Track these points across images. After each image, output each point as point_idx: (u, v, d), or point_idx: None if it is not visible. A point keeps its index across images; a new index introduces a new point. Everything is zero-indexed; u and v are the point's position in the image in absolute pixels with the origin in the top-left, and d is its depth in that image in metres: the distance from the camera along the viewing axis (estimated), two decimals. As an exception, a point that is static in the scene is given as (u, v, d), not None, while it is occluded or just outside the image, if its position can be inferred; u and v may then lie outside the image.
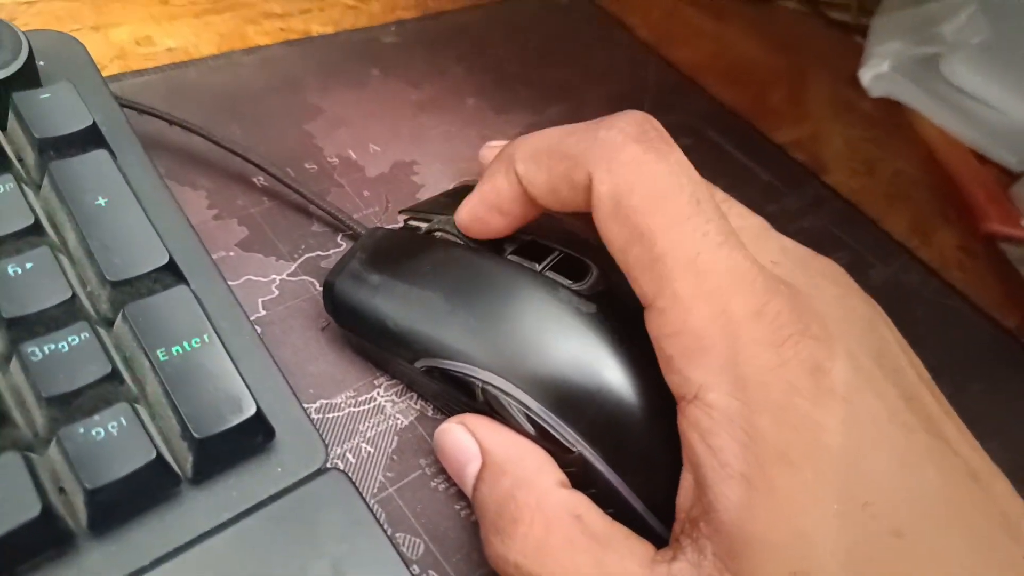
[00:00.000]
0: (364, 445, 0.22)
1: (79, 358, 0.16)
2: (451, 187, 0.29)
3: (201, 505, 0.17)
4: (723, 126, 0.39)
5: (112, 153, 0.21)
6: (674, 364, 0.17)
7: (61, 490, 0.16)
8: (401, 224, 0.25)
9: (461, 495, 0.22)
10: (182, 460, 0.17)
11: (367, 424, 0.23)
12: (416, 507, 0.21)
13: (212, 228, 0.26)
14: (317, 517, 0.18)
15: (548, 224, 0.23)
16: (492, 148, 0.26)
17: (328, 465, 0.19)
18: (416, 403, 0.24)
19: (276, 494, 0.18)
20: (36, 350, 0.16)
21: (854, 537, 0.15)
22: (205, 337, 0.18)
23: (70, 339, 0.17)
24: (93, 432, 0.16)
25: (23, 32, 0.21)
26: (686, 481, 0.17)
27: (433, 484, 0.22)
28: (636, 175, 0.17)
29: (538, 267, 0.21)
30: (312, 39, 0.35)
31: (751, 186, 0.36)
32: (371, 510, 0.18)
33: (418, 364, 0.21)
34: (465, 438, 0.20)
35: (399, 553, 0.18)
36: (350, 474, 0.21)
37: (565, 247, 0.21)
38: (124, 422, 0.16)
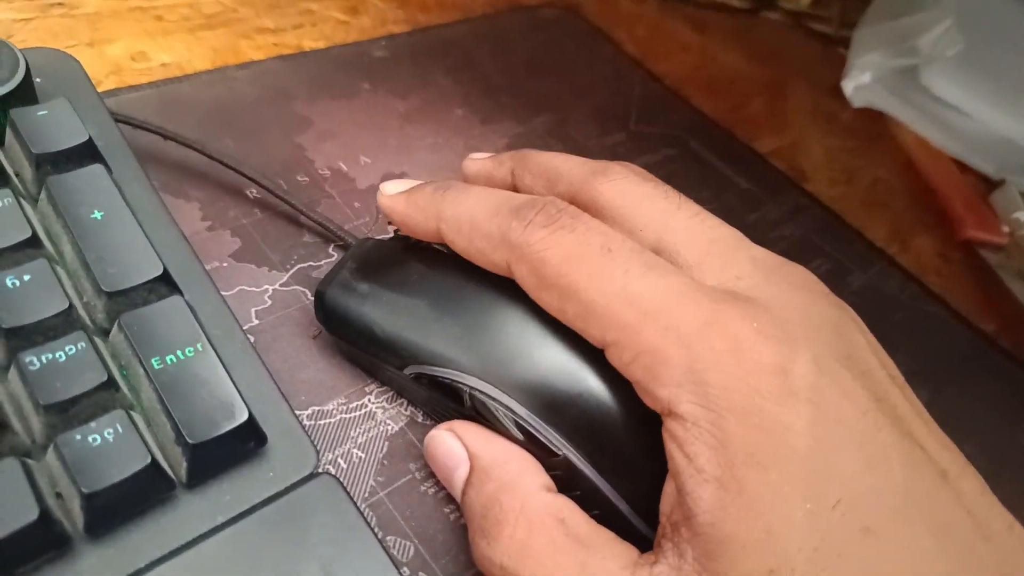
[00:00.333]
0: (355, 450, 0.23)
1: (76, 367, 0.17)
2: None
3: (195, 509, 0.17)
4: (706, 136, 0.40)
5: (108, 167, 0.21)
6: (643, 387, 0.18)
7: (58, 495, 0.16)
8: (391, 234, 0.26)
9: (450, 499, 0.22)
10: (176, 465, 0.17)
11: (358, 430, 0.23)
12: (406, 511, 0.22)
13: (205, 239, 0.26)
14: (309, 521, 0.18)
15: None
16: (474, 160, 0.26)
17: (319, 470, 0.19)
18: (406, 409, 0.24)
19: (268, 498, 0.18)
20: (34, 359, 0.17)
21: (823, 534, 0.15)
22: (199, 346, 0.19)
23: (67, 348, 0.17)
24: (90, 438, 0.16)
25: (20, 50, 0.22)
26: (669, 488, 0.18)
27: (422, 488, 0.22)
28: (545, 251, 0.19)
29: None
30: (304, 54, 0.36)
31: (733, 195, 0.37)
32: (362, 514, 0.19)
33: (407, 371, 0.22)
34: (454, 444, 0.21)
35: (389, 556, 0.18)
36: (341, 479, 0.21)
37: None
38: (120, 429, 0.17)
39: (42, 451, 0.17)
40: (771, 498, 0.16)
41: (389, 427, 0.23)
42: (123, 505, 0.16)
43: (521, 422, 0.20)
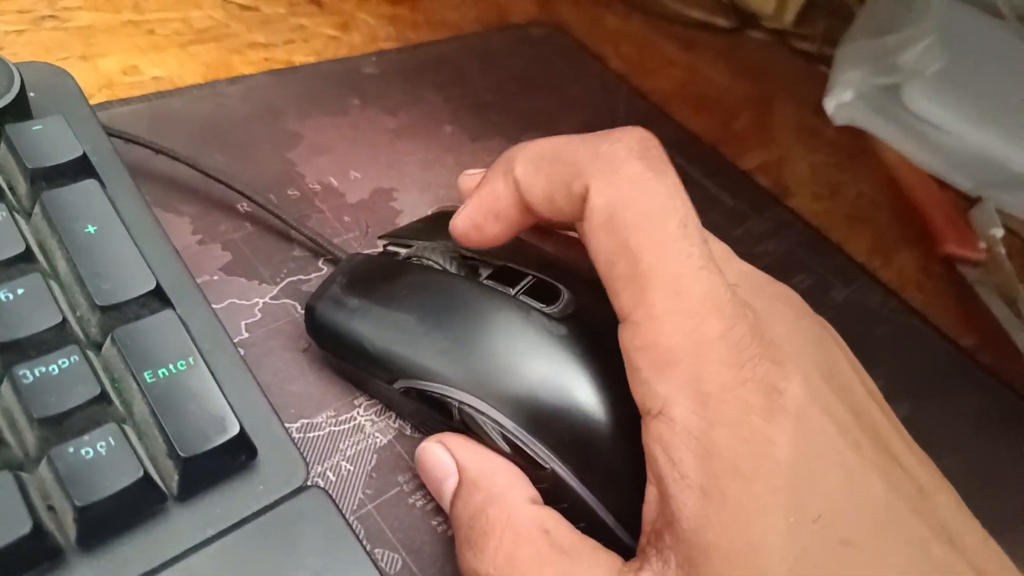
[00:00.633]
0: (344, 463, 0.23)
1: (69, 380, 0.17)
2: (429, 213, 0.30)
3: (186, 522, 0.18)
4: (691, 153, 0.41)
5: (101, 182, 0.21)
6: (641, 376, 0.18)
7: (51, 508, 0.16)
8: (380, 249, 0.26)
9: (438, 511, 0.23)
10: (168, 478, 0.18)
11: (347, 443, 0.23)
12: (394, 523, 0.22)
13: (196, 253, 0.27)
14: (298, 533, 0.18)
15: (521, 249, 0.24)
16: (470, 176, 0.27)
17: (309, 483, 0.19)
18: (395, 422, 0.24)
19: (258, 511, 0.18)
20: (27, 373, 0.17)
21: (803, 545, 0.16)
22: (190, 360, 0.19)
23: (60, 362, 0.17)
24: (82, 452, 0.16)
25: (15, 65, 0.22)
26: (650, 494, 0.18)
27: (411, 501, 0.23)
28: (634, 191, 0.18)
29: (512, 291, 0.22)
30: (295, 69, 0.36)
31: (718, 210, 0.37)
32: (350, 526, 0.19)
33: (397, 385, 0.22)
34: (443, 456, 0.21)
35: (377, 568, 0.18)
36: (330, 491, 0.22)
37: (538, 272, 0.22)
38: (112, 442, 0.17)
39: (35, 464, 0.17)
40: (754, 509, 0.16)
41: (378, 440, 0.24)
42: (115, 518, 0.17)
43: (509, 435, 0.20)
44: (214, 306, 0.22)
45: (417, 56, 0.40)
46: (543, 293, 0.22)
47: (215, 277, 0.26)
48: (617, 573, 0.18)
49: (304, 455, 0.20)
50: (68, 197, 0.20)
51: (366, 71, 0.37)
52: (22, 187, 0.21)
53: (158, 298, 0.20)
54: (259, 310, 0.26)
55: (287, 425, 0.22)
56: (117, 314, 0.19)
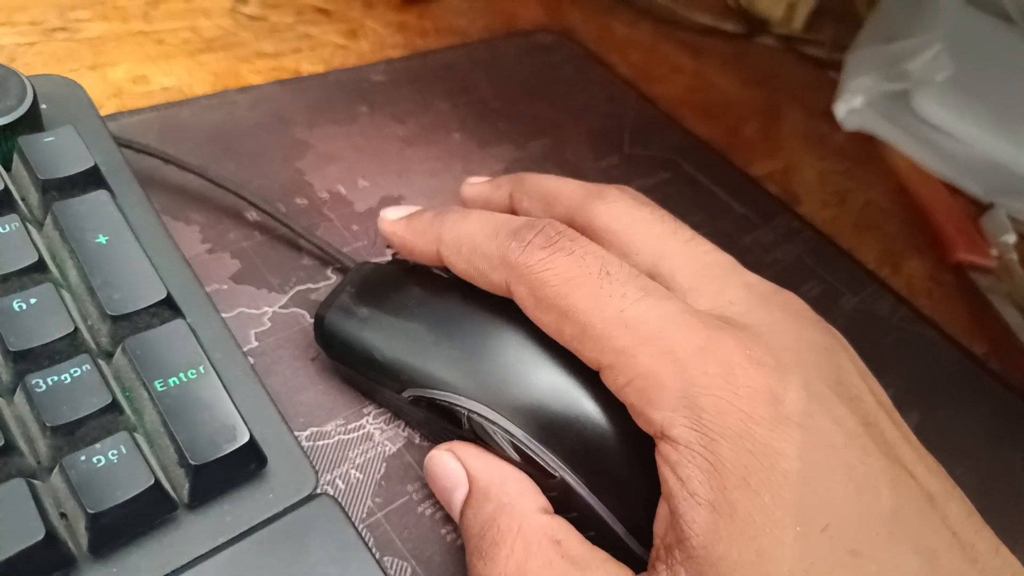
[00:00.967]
0: (353, 472, 0.23)
1: (81, 389, 0.17)
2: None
3: (196, 529, 0.18)
4: (699, 160, 0.40)
5: (112, 192, 0.22)
6: (637, 410, 0.18)
7: (63, 515, 0.17)
8: (389, 258, 0.26)
9: (447, 520, 0.23)
10: (179, 486, 0.18)
11: (356, 451, 0.23)
12: (403, 532, 0.22)
13: (206, 262, 0.27)
14: (307, 541, 0.18)
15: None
16: (472, 185, 0.27)
17: (318, 491, 0.19)
18: (404, 431, 0.24)
19: (268, 519, 0.18)
20: (40, 381, 0.17)
21: (813, 556, 0.16)
22: (201, 369, 0.19)
23: (72, 371, 0.18)
24: (94, 460, 0.17)
25: (27, 78, 0.22)
26: (662, 510, 0.18)
27: (420, 509, 0.23)
28: (544, 272, 0.19)
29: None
30: (303, 78, 0.36)
31: (726, 218, 0.37)
32: (360, 535, 0.19)
33: (406, 394, 0.22)
34: (453, 465, 0.21)
35: (386, 576, 0.19)
36: (340, 500, 0.22)
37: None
38: (124, 450, 0.17)
39: (47, 472, 0.17)
40: (763, 521, 0.16)
41: (387, 448, 0.24)
42: (127, 525, 0.17)
43: (519, 444, 0.20)
44: (224, 315, 0.22)
45: (425, 64, 0.40)
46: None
47: (224, 286, 0.26)
48: (626, 585, 0.18)
49: (314, 463, 0.20)
50: (79, 207, 0.20)
51: (374, 79, 0.38)
52: (34, 198, 0.21)
53: (168, 307, 0.20)
54: (268, 319, 0.26)
55: (296, 434, 0.22)
56: (128, 323, 0.19)
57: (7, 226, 0.19)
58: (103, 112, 0.28)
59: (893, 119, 0.47)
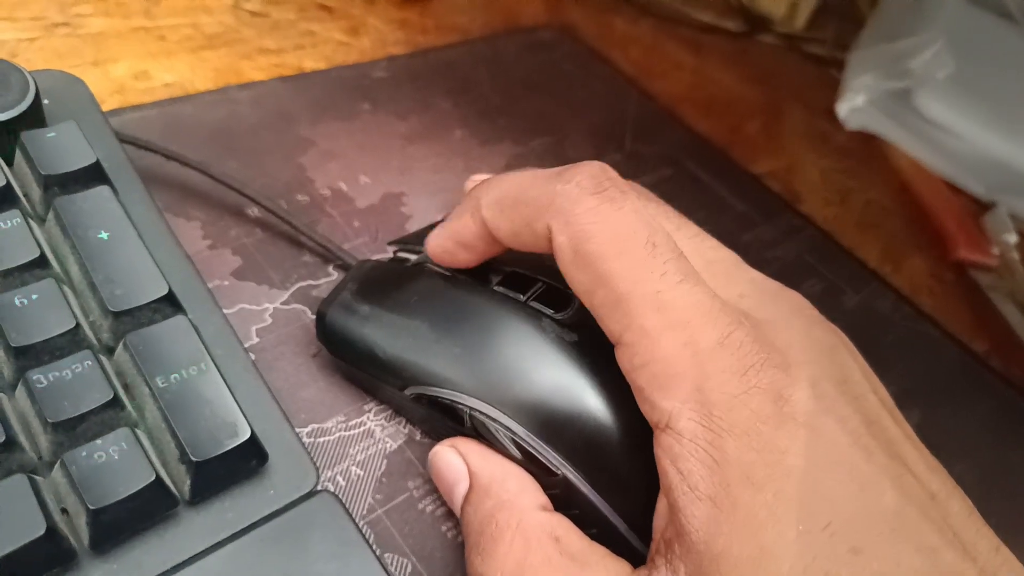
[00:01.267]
0: (354, 468, 0.23)
1: (82, 385, 0.17)
2: (439, 218, 0.30)
3: (197, 526, 0.18)
4: (701, 157, 0.40)
5: (113, 188, 0.21)
6: (645, 394, 0.18)
7: (64, 511, 0.17)
8: (390, 255, 0.26)
9: (448, 516, 0.23)
10: (180, 482, 0.18)
11: (357, 448, 0.23)
12: (404, 528, 0.22)
13: (207, 258, 0.27)
14: (308, 538, 0.18)
15: (531, 256, 0.24)
16: (476, 182, 0.27)
17: (319, 488, 0.19)
18: (405, 428, 0.24)
19: (269, 515, 0.18)
20: (41, 377, 0.17)
21: (814, 553, 0.16)
22: (202, 365, 0.19)
23: (73, 367, 0.18)
24: (96, 456, 0.17)
25: (30, 73, 0.22)
26: (661, 505, 0.18)
27: (420, 506, 0.23)
28: (592, 226, 0.19)
29: (522, 297, 0.22)
30: (305, 75, 0.36)
31: (727, 216, 0.37)
32: (360, 531, 0.19)
33: (407, 391, 0.22)
34: (455, 460, 0.21)
35: (387, 573, 0.18)
36: (340, 496, 0.22)
37: (548, 278, 0.22)
38: (125, 446, 0.17)
39: (48, 468, 0.17)
40: (765, 517, 0.16)
41: (388, 445, 0.24)
42: (128, 521, 0.17)
43: (520, 442, 0.20)
44: (225, 311, 0.22)
45: (427, 61, 0.40)
46: (553, 299, 0.22)
47: (226, 282, 0.26)
48: (625, 581, 0.18)
49: (315, 460, 0.20)
50: (81, 203, 0.20)
51: (376, 76, 0.37)
52: (36, 193, 0.21)
53: (170, 303, 0.20)
54: (269, 315, 0.26)
55: (297, 430, 0.22)
56: (129, 319, 0.19)
57: (9, 221, 0.19)
58: (105, 108, 0.28)
59: (895, 117, 0.47)
